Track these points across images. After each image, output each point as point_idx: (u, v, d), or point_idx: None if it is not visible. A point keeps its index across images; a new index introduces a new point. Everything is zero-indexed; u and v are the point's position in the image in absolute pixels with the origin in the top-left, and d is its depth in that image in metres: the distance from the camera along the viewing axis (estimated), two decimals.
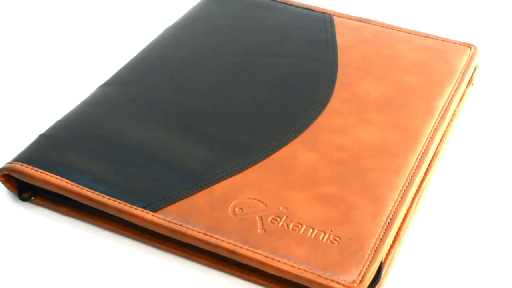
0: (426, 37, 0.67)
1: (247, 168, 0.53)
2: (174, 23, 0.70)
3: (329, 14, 0.70)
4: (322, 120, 0.57)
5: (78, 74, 0.67)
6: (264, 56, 0.64)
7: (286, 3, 0.72)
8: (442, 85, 0.61)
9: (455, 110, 0.61)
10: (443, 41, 0.67)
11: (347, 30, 0.68)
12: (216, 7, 0.72)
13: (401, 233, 0.50)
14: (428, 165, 0.56)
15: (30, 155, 0.53)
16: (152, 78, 0.62)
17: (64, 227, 0.51)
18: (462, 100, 0.63)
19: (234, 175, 0.52)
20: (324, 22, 0.69)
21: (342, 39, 0.67)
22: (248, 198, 0.50)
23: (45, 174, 0.51)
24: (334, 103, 0.59)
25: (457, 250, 0.50)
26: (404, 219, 0.51)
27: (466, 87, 0.64)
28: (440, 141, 0.58)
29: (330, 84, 0.61)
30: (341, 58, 0.64)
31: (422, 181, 0.55)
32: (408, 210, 0.52)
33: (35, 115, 0.61)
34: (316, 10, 0.71)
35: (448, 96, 0.60)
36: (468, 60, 0.64)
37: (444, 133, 0.59)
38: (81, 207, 0.51)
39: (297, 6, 0.72)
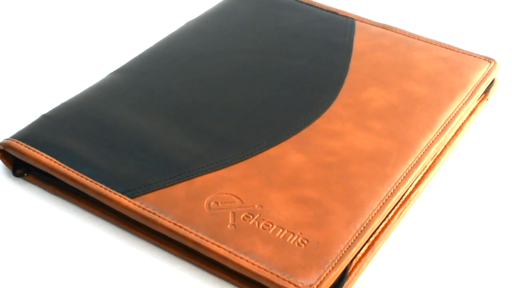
0: (446, 48, 0.65)
1: (232, 164, 0.53)
2: (197, 17, 0.71)
3: (352, 19, 0.70)
4: (319, 123, 0.57)
5: (100, 61, 0.68)
6: (277, 55, 0.64)
7: (312, 5, 0.72)
8: (450, 98, 0.59)
9: (462, 125, 0.60)
10: (464, 53, 0.65)
11: (366, 35, 0.67)
12: (241, 4, 0.72)
13: (377, 243, 0.50)
14: (421, 178, 0.55)
15: (27, 134, 0.55)
16: (162, 69, 0.63)
17: (50, 205, 0.53)
18: (473, 115, 0.61)
19: (218, 169, 0.52)
20: (345, 26, 0.68)
21: (359, 44, 0.66)
22: (226, 193, 0.50)
23: (37, 152, 0.53)
24: (335, 107, 0.58)
25: (433, 269, 0.49)
26: (383, 229, 0.50)
27: (480, 102, 0.62)
28: (440, 154, 0.57)
29: (335, 88, 0.60)
30: (354, 63, 0.63)
31: (411, 193, 0.53)
32: (389, 221, 0.51)
33: (51, 98, 0.63)
34: (340, 13, 0.71)
35: (455, 110, 0.58)
36: (485, 74, 0.62)
37: (445, 147, 0.57)
38: (67, 187, 0.53)
39: (321, 9, 0.71)
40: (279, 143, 0.55)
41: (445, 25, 0.76)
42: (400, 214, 0.52)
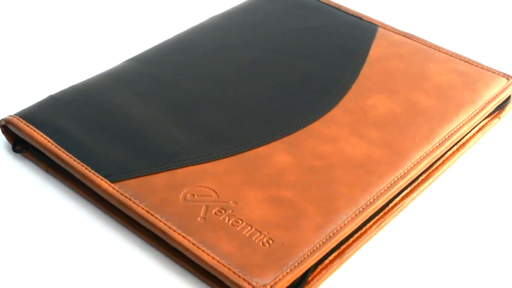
0: (465, 61, 0.64)
1: (218, 159, 0.53)
2: (221, 13, 0.71)
3: (376, 25, 0.69)
4: (316, 126, 0.56)
5: (123, 49, 0.70)
6: (289, 56, 0.64)
7: (337, 8, 0.71)
8: (456, 112, 0.58)
9: (466, 142, 0.58)
10: (482, 68, 0.63)
11: (385, 43, 0.66)
12: (268, 3, 0.72)
13: (348, 251, 0.49)
14: (410, 191, 0.53)
15: (29, 112, 0.57)
16: (174, 60, 0.63)
17: (41, 181, 0.55)
18: (480, 132, 0.59)
19: (203, 162, 0.53)
20: (366, 32, 0.68)
21: (375, 50, 0.65)
22: (204, 187, 0.51)
23: (33, 130, 0.55)
24: (336, 112, 0.58)
25: (405, 284, 0.48)
26: (357, 238, 0.50)
27: (491, 119, 0.60)
28: (435, 169, 0.55)
29: (340, 93, 0.60)
30: (366, 69, 0.62)
31: (396, 204, 0.52)
32: (366, 231, 0.50)
33: (69, 80, 0.64)
34: (365, 19, 0.70)
35: (458, 125, 0.56)
36: (499, 91, 0.60)
37: (444, 162, 0.56)
38: (58, 167, 0.54)
39: (347, 13, 0.71)
40: (270, 142, 0.55)
41: (479, 39, 0.73)
42: (379, 225, 0.51)
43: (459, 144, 0.58)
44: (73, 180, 0.54)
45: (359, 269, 0.49)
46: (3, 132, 0.57)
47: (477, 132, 0.59)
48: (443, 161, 0.56)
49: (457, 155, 0.57)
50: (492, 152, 0.58)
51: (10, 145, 0.57)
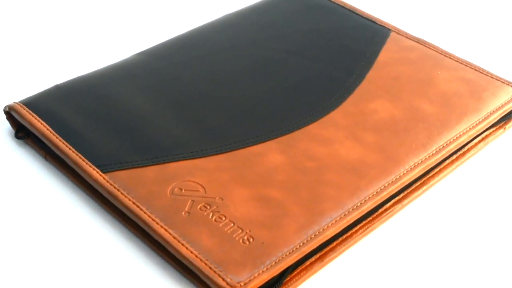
0: (475, 70, 0.63)
1: (211, 155, 0.53)
2: (236, 11, 0.72)
3: (389, 29, 0.68)
4: (313, 127, 0.56)
5: (139, 42, 0.71)
6: (298, 56, 0.64)
7: (352, 11, 0.71)
8: (457, 121, 0.57)
9: (466, 151, 0.57)
10: (491, 77, 0.62)
11: (396, 47, 0.65)
12: (283, 3, 0.72)
13: (330, 254, 0.49)
14: (402, 197, 0.53)
15: (32, 100, 0.58)
16: (182, 56, 0.64)
17: (40, 167, 0.56)
18: (482, 143, 0.58)
19: (195, 158, 0.53)
20: (377, 35, 0.67)
21: (384, 55, 0.64)
22: (193, 182, 0.51)
23: (34, 117, 0.56)
24: (335, 114, 0.57)
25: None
26: (342, 242, 0.49)
27: (495, 130, 0.59)
28: (431, 177, 0.54)
29: (343, 96, 0.59)
30: (372, 73, 0.62)
31: (386, 210, 0.52)
32: (351, 235, 0.50)
33: (82, 71, 0.66)
34: (378, 23, 0.69)
35: (457, 133, 0.56)
36: (505, 101, 0.59)
37: (441, 170, 0.55)
38: (56, 154, 0.55)
39: (361, 16, 0.70)
40: (265, 141, 0.55)
41: (495, 49, 0.72)
42: (365, 230, 0.50)
43: (458, 153, 0.57)
44: (69, 168, 0.55)
45: (341, 273, 0.48)
46: (7, 118, 0.59)
47: (479, 142, 0.58)
48: (440, 169, 0.55)
49: (456, 164, 0.56)
50: (493, 163, 0.57)
51: (13, 132, 0.59)
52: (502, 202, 0.54)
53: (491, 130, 0.59)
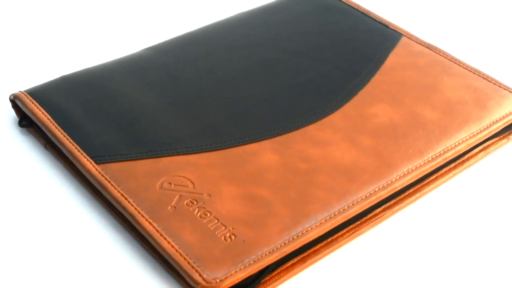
0: (483, 78, 0.61)
1: (205, 152, 0.54)
2: (248, 10, 0.72)
3: (400, 34, 0.67)
4: (310, 129, 0.56)
5: (152, 37, 0.71)
6: (304, 57, 0.64)
7: (365, 14, 0.70)
8: (458, 129, 0.56)
9: (465, 160, 0.56)
10: (499, 86, 0.60)
11: (404, 52, 0.65)
12: (296, 4, 0.72)
13: (313, 256, 0.48)
14: (394, 203, 0.52)
15: (37, 90, 0.59)
16: (189, 53, 0.64)
17: (40, 155, 0.57)
18: (483, 152, 0.57)
19: (189, 154, 0.53)
20: (387, 39, 0.66)
21: (393, 59, 0.64)
22: (183, 177, 0.51)
23: (36, 106, 0.57)
24: (335, 116, 0.57)
25: None
26: (327, 244, 0.49)
27: (498, 139, 0.58)
28: (426, 185, 0.54)
29: (345, 98, 0.59)
30: (377, 77, 0.61)
31: (375, 215, 0.51)
32: (336, 238, 0.50)
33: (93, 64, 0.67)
34: (390, 27, 0.68)
35: (456, 141, 0.55)
36: (510, 111, 0.58)
37: (437, 178, 0.54)
38: (55, 144, 0.56)
39: (373, 19, 0.69)
40: (261, 140, 0.55)
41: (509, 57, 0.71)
42: (352, 234, 0.50)
43: (457, 161, 0.56)
44: (66, 158, 0.55)
45: (323, 276, 0.48)
46: (13, 106, 0.60)
47: (479, 151, 0.57)
48: (436, 177, 0.54)
49: (453, 172, 0.55)
50: (492, 174, 0.56)
51: (17, 120, 0.60)
52: (497, 212, 0.53)
53: (494, 140, 0.58)
